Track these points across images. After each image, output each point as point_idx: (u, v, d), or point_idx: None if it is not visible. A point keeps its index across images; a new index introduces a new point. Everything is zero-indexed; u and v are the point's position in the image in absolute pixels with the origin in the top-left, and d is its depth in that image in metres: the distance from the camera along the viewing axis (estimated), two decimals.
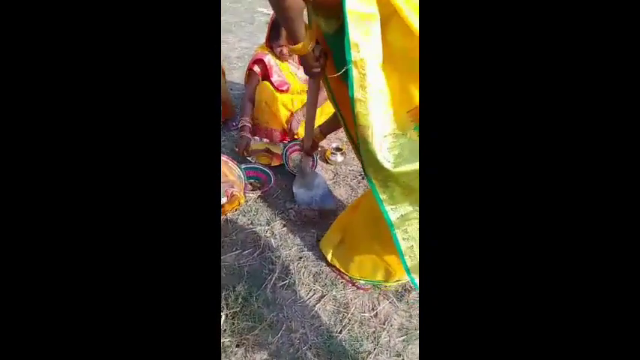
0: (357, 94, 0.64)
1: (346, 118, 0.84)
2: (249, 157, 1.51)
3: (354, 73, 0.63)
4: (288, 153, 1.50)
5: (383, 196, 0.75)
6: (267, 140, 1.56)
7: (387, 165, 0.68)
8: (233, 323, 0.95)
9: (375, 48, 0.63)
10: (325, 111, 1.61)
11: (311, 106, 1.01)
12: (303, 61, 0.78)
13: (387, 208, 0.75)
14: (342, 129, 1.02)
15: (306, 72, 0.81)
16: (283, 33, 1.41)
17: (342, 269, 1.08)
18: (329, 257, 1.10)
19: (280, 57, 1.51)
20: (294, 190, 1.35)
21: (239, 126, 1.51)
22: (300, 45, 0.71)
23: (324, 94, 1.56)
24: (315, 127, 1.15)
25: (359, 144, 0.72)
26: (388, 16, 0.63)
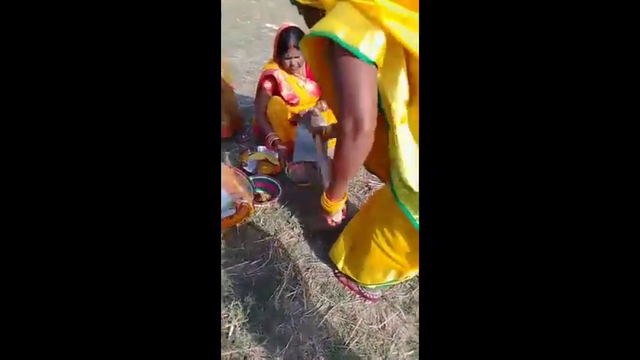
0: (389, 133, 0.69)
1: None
2: (246, 165, 1.53)
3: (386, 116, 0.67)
4: (290, 166, 1.52)
5: (412, 211, 0.76)
6: (267, 149, 1.59)
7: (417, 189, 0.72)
8: (241, 334, 0.95)
9: (401, 87, 0.65)
10: (332, 116, 1.64)
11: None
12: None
13: (416, 217, 0.77)
14: None
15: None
16: (291, 45, 1.46)
17: (353, 277, 1.05)
18: (340, 265, 1.08)
19: (290, 70, 1.55)
20: (298, 130, 1.38)
21: (270, 142, 1.54)
22: (337, 204, 0.78)
23: None
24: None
25: (391, 171, 0.74)
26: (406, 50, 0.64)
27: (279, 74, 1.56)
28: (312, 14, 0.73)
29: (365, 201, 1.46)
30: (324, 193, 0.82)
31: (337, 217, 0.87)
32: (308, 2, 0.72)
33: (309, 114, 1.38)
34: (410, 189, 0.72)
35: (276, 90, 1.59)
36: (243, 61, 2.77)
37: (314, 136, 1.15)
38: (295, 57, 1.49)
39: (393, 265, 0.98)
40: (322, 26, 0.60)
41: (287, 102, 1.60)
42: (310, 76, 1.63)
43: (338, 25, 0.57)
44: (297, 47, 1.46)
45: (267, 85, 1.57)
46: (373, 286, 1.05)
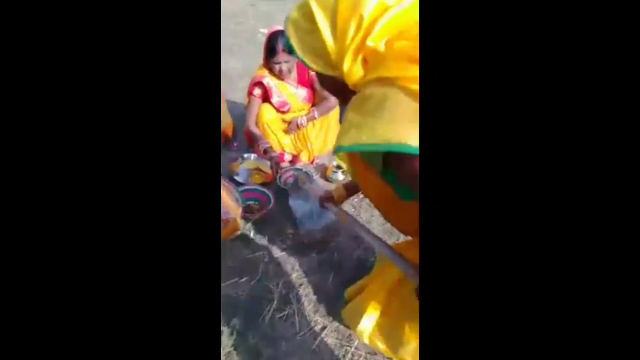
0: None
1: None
2: (236, 175, 1.47)
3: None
4: (282, 176, 1.46)
5: None
6: (258, 156, 1.54)
7: None
8: None
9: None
10: (325, 123, 1.59)
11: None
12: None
13: None
14: None
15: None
16: (280, 49, 1.40)
17: (387, 352, 0.85)
18: (365, 339, 0.86)
19: (280, 75, 1.49)
20: (291, 203, 1.29)
21: (261, 150, 1.45)
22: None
23: (328, 103, 1.55)
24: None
25: None
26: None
27: (269, 80, 1.51)
28: (328, 78, 0.58)
29: (360, 209, 1.39)
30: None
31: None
32: (324, 71, 0.56)
33: (296, 183, 1.22)
34: None
35: (267, 97, 1.53)
36: (235, 67, 2.73)
37: (322, 205, 0.97)
38: (285, 61, 1.44)
39: None
40: (378, 136, 0.45)
41: (277, 109, 1.55)
42: (302, 82, 1.58)
43: (401, 130, 0.43)
44: (286, 51, 1.40)
45: (257, 91, 1.52)
46: None
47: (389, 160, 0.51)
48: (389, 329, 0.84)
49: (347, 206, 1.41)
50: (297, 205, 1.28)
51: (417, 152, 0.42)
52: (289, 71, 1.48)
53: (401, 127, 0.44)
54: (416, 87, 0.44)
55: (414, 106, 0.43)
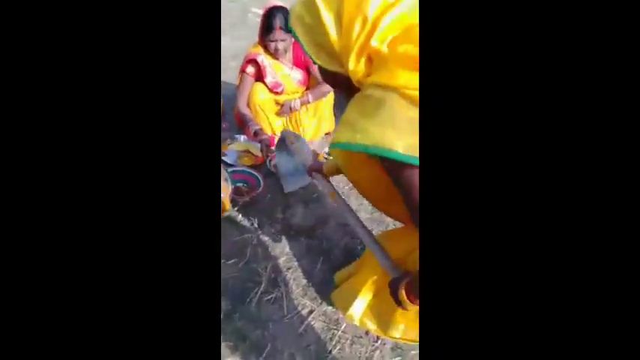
0: None
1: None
2: (225, 156, 1.43)
3: None
4: (272, 160, 1.42)
5: None
6: (248, 138, 1.49)
7: None
8: None
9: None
10: (318, 108, 1.55)
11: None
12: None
13: None
14: None
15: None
16: (277, 27, 1.34)
17: (378, 331, 0.86)
18: (357, 321, 0.86)
19: (275, 54, 1.44)
20: (277, 159, 1.21)
21: (252, 132, 1.40)
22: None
23: (322, 88, 1.51)
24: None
25: None
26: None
27: (264, 59, 1.45)
28: (331, 73, 0.59)
29: (350, 197, 1.39)
30: (402, 287, 0.61)
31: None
32: (330, 67, 0.57)
33: (283, 141, 1.16)
34: None
35: (260, 76, 1.47)
36: (227, 46, 2.62)
37: (310, 175, 0.95)
38: (281, 40, 1.38)
39: None
40: (371, 138, 0.47)
41: (270, 90, 1.50)
42: (297, 64, 1.53)
43: (392, 136, 0.45)
44: (283, 29, 1.35)
45: (250, 69, 1.46)
46: (403, 342, 0.86)
47: (381, 160, 0.51)
48: (379, 310, 0.85)
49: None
50: (282, 161, 1.22)
51: (404, 159, 0.45)
52: (285, 51, 1.43)
53: (392, 133, 0.46)
54: (414, 93, 0.46)
55: (410, 114, 0.46)
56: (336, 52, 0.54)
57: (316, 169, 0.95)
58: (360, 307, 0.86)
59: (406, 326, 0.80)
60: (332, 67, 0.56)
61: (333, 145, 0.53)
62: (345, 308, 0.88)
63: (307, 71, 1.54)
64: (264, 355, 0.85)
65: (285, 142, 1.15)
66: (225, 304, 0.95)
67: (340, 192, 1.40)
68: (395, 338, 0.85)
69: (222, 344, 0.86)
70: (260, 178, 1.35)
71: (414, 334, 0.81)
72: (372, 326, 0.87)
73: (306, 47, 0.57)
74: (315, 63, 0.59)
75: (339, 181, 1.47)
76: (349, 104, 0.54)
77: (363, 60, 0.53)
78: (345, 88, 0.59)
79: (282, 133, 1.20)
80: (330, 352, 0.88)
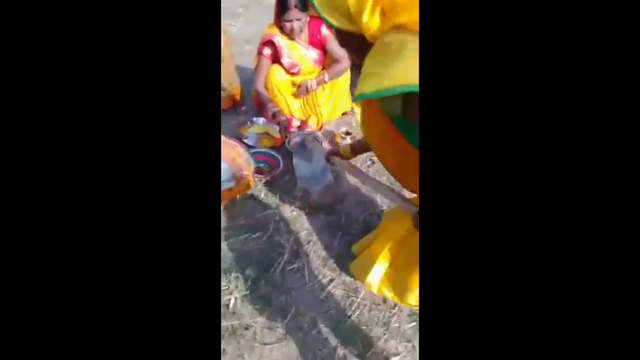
0: None
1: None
2: (245, 138, 1.47)
3: None
4: (291, 140, 1.46)
5: None
6: (267, 121, 1.53)
7: None
8: (242, 306, 0.94)
9: None
10: (335, 88, 1.56)
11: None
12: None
13: None
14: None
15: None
16: (292, 5, 1.35)
17: (395, 298, 0.91)
18: (374, 289, 0.92)
19: (290, 34, 1.45)
20: (295, 161, 1.30)
21: (270, 114, 1.43)
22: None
23: (339, 66, 1.52)
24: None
25: None
26: None
27: (280, 40, 1.46)
28: (346, 35, 0.60)
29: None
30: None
31: None
32: (343, 26, 0.58)
33: (303, 143, 1.25)
34: None
35: (276, 57, 1.49)
36: (242, 29, 2.64)
37: (328, 160, 1.00)
38: (297, 19, 1.39)
39: None
40: (397, 79, 0.46)
41: (287, 71, 1.52)
42: (313, 43, 1.53)
43: (415, 74, 0.44)
44: (298, 8, 1.35)
45: (267, 51, 1.48)
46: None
47: (408, 104, 0.52)
48: (396, 278, 0.90)
49: None
50: (300, 164, 1.29)
51: None
52: (300, 30, 1.43)
53: (410, 71, 0.45)
54: None
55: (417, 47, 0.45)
56: (351, 12, 0.54)
57: (333, 152, 0.99)
58: (377, 275, 0.91)
59: None
60: (346, 25, 0.57)
61: (359, 97, 0.53)
62: (364, 277, 0.94)
63: (323, 50, 1.54)
64: (288, 317, 0.93)
65: (305, 144, 1.23)
66: (251, 272, 1.02)
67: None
68: (411, 305, 0.91)
69: (250, 307, 0.95)
70: (280, 159, 1.40)
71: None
72: (389, 294, 0.92)
73: (320, 10, 0.59)
74: (330, 26, 0.60)
75: (357, 162, 1.50)
76: (367, 57, 0.54)
77: (377, 11, 0.53)
78: (360, 49, 0.60)
79: (301, 134, 1.25)
80: (350, 317, 0.94)
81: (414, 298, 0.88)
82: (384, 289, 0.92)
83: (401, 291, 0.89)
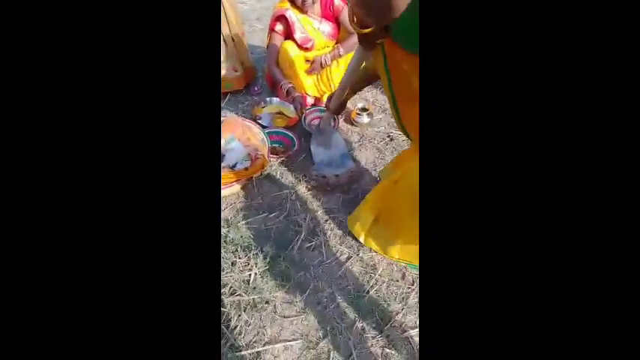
0: None
1: (396, 85, 0.79)
2: (260, 119, 1.47)
3: None
4: (307, 117, 1.44)
5: None
6: (280, 99, 1.52)
7: None
8: (262, 281, 0.97)
9: None
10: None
11: (352, 72, 0.93)
12: (366, 38, 0.69)
13: None
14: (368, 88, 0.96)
15: (364, 45, 0.74)
16: None
17: (379, 250, 1.01)
18: (361, 239, 1.03)
19: (302, 7, 1.39)
20: (312, 148, 1.31)
21: (284, 91, 1.43)
22: (369, 29, 0.64)
23: (353, 38, 1.46)
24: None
25: None
26: None
27: (292, 14, 1.41)
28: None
29: (385, 152, 1.38)
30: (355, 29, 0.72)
31: None
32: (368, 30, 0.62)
33: (318, 129, 1.28)
34: None
35: (289, 33, 1.45)
36: (253, 7, 2.57)
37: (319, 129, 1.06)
38: None
39: None
40: None
41: (300, 46, 1.47)
42: (326, 16, 1.47)
43: None
44: None
45: (279, 27, 1.43)
46: (403, 263, 1.00)
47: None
48: (378, 231, 1.00)
49: (371, 150, 1.40)
50: (317, 151, 1.29)
51: None
52: (313, 2, 1.37)
53: None
54: None
55: None
56: None
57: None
58: (362, 228, 1.02)
59: (402, 247, 0.96)
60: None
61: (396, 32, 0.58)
62: (353, 227, 1.04)
63: (337, 22, 1.48)
64: (307, 292, 0.95)
65: (320, 132, 1.28)
66: (270, 250, 1.05)
67: (376, 149, 1.40)
68: (393, 258, 1.00)
69: (270, 282, 0.97)
70: (294, 138, 1.39)
71: (412, 255, 0.97)
72: (374, 246, 1.01)
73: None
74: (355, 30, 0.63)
75: (375, 139, 1.46)
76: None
77: None
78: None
79: (318, 117, 1.27)
80: (368, 292, 0.95)
81: (396, 252, 0.98)
82: (371, 241, 1.02)
83: (383, 244, 0.99)
